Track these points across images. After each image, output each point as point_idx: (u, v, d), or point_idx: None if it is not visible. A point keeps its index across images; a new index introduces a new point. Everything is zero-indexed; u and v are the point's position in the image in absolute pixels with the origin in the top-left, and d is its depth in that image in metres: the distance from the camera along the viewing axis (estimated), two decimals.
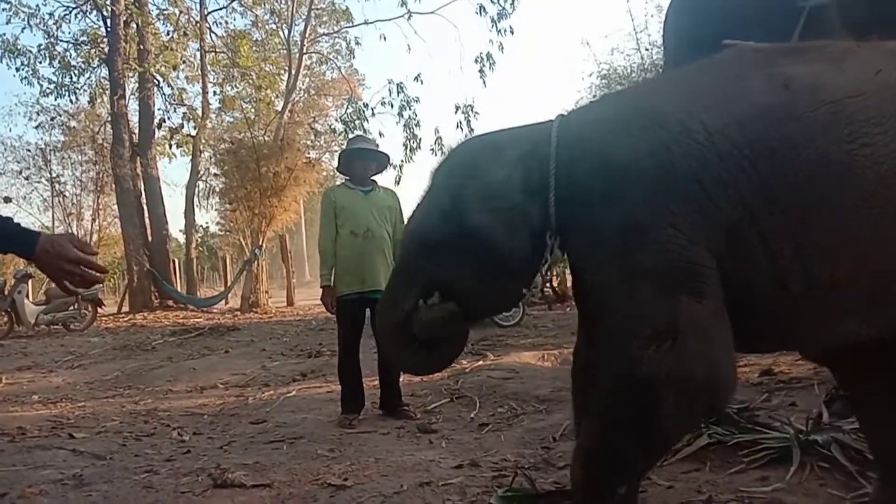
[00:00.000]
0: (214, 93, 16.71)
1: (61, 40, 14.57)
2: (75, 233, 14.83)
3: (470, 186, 1.77)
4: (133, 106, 15.02)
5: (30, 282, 10.88)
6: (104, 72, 14.51)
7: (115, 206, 14.83)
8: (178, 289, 14.75)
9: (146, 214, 14.15)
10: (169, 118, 15.68)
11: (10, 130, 29.61)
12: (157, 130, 15.14)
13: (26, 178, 18.92)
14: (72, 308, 10.33)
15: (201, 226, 22.76)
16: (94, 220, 17.35)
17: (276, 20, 17.72)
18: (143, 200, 14.16)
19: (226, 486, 2.65)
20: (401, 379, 3.91)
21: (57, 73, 14.43)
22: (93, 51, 14.83)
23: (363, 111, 15.77)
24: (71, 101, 15.31)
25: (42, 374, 6.50)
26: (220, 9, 16.54)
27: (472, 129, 15.06)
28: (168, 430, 3.86)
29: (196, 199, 16.34)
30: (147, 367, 6.50)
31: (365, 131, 14.37)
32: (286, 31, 17.04)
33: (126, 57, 13.97)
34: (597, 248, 1.66)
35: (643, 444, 1.62)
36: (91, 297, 10.38)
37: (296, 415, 4.07)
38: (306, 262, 33.61)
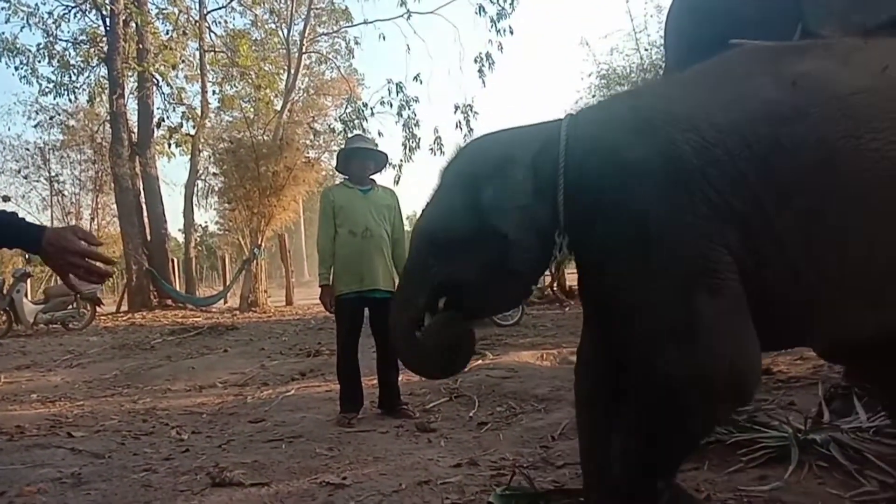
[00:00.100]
0: (213, 92, 16.75)
1: (60, 39, 14.57)
2: None
3: (479, 185, 1.77)
4: (132, 105, 15.06)
5: (28, 281, 10.87)
6: (103, 71, 14.50)
7: (114, 206, 14.86)
8: (177, 288, 14.74)
9: (145, 213, 14.14)
10: (168, 117, 15.67)
11: (9, 129, 29.71)
12: (156, 130, 15.11)
13: (25, 177, 18.98)
14: (71, 307, 10.31)
15: (200, 225, 22.82)
16: (92, 219, 17.39)
17: (276, 19, 17.74)
18: (142, 199, 14.15)
19: (224, 484, 2.64)
20: (399, 378, 3.91)
21: (56, 72, 14.45)
22: (92, 50, 14.82)
23: (362, 111, 15.76)
24: (70, 100, 15.38)
25: (41, 372, 6.50)
26: (220, 8, 16.55)
27: (471, 129, 15.05)
28: (167, 429, 3.86)
29: (195, 199, 16.36)
30: (146, 367, 6.50)
31: (364, 131, 14.37)
32: (285, 31, 17.07)
33: (125, 56, 13.96)
34: (607, 247, 1.66)
35: (675, 441, 1.64)
36: (90, 296, 10.37)
37: (294, 414, 4.07)
38: (305, 262, 33.58)
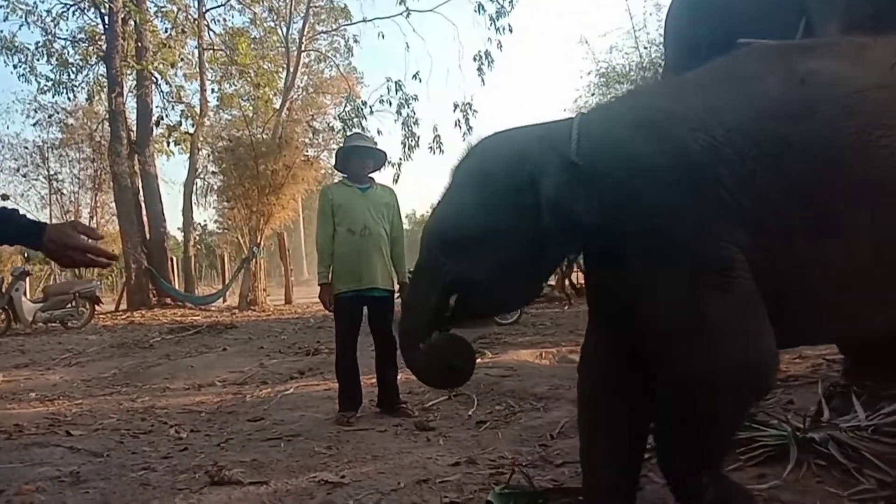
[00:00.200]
0: (213, 90, 16.74)
1: (59, 37, 14.58)
2: None
3: (490, 184, 1.77)
4: (131, 103, 15.07)
5: (27, 279, 10.86)
6: (102, 69, 14.51)
7: (113, 204, 14.86)
8: (176, 286, 14.75)
9: (144, 212, 14.15)
10: (167, 116, 15.68)
11: (8, 128, 29.67)
12: (154, 128, 15.10)
13: (24, 176, 18.96)
14: (69, 306, 10.32)
15: (199, 223, 22.81)
16: (91, 217, 17.38)
17: (275, 18, 17.72)
18: (141, 198, 14.16)
19: (223, 483, 2.64)
20: (398, 377, 3.90)
21: (54, 70, 14.45)
22: (90, 48, 14.82)
23: (361, 109, 15.76)
24: (69, 98, 15.40)
25: (39, 371, 6.49)
26: (219, 6, 16.51)
27: (470, 128, 15.09)
28: (165, 428, 3.86)
29: (194, 197, 16.39)
30: (145, 365, 6.50)
31: (363, 129, 14.36)
32: (284, 29, 17.05)
33: (124, 54, 13.96)
34: (618, 245, 1.66)
35: (701, 434, 1.65)
36: (89, 294, 10.37)
37: (293, 412, 4.07)
38: (304, 260, 33.57)
